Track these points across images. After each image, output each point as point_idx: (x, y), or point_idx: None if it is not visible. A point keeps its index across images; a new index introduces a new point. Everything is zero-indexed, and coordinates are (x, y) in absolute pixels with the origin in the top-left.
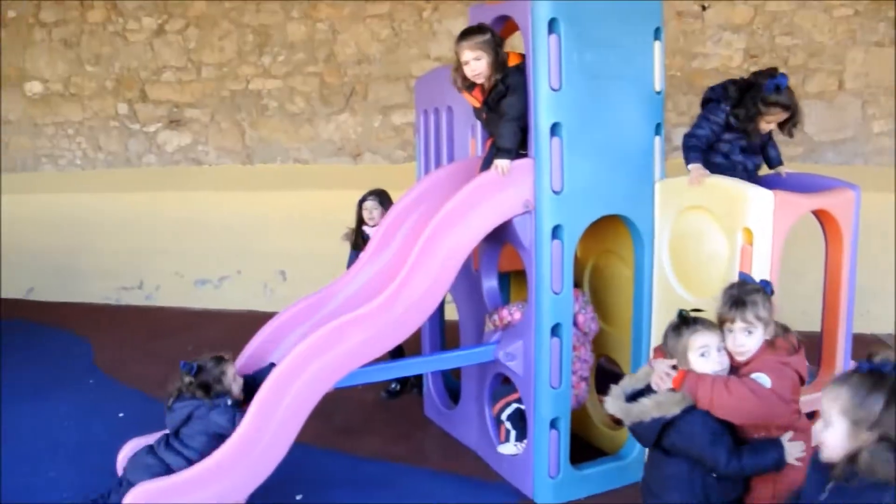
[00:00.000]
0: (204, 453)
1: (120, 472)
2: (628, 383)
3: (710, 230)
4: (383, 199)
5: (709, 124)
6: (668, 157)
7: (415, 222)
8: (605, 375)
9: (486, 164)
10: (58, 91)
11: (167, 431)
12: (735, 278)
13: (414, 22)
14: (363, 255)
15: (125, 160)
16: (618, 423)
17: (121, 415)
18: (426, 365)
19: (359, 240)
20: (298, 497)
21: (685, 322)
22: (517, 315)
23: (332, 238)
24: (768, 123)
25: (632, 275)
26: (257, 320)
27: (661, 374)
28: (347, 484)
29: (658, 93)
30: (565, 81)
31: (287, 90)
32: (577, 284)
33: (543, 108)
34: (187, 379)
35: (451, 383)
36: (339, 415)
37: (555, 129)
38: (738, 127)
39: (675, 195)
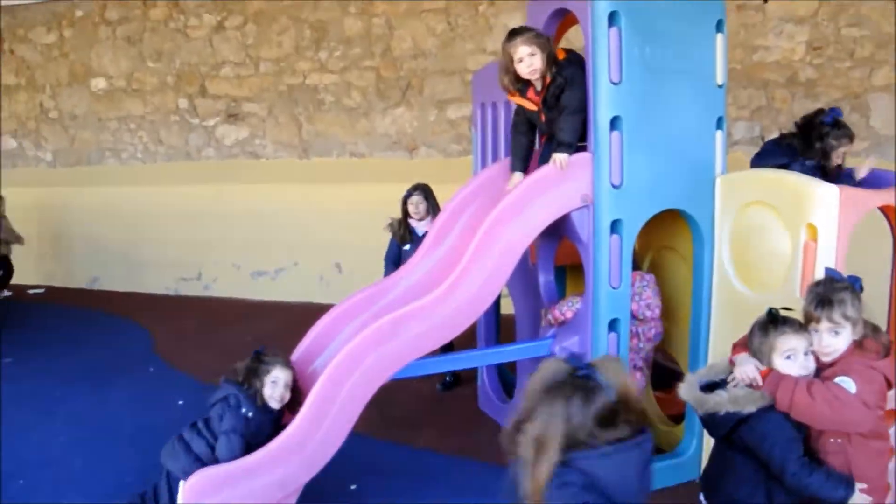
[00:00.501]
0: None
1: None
2: (705, 373)
3: (773, 226)
4: (427, 193)
5: None
6: (728, 151)
7: (472, 216)
8: (662, 371)
9: (544, 159)
10: (121, 87)
11: None
12: (797, 275)
13: (470, 16)
14: (420, 249)
15: (185, 154)
16: (675, 419)
17: (180, 402)
18: (482, 358)
19: (405, 233)
20: (353, 487)
21: (773, 322)
22: (569, 314)
23: (387, 232)
24: (838, 157)
25: (690, 271)
26: (313, 312)
27: (745, 371)
28: (402, 475)
29: (720, 86)
30: (625, 75)
31: (344, 85)
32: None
33: (603, 102)
34: (250, 360)
35: (506, 377)
36: (395, 406)
37: (614, 122)
38: (824, 168)
39: (736, 190)
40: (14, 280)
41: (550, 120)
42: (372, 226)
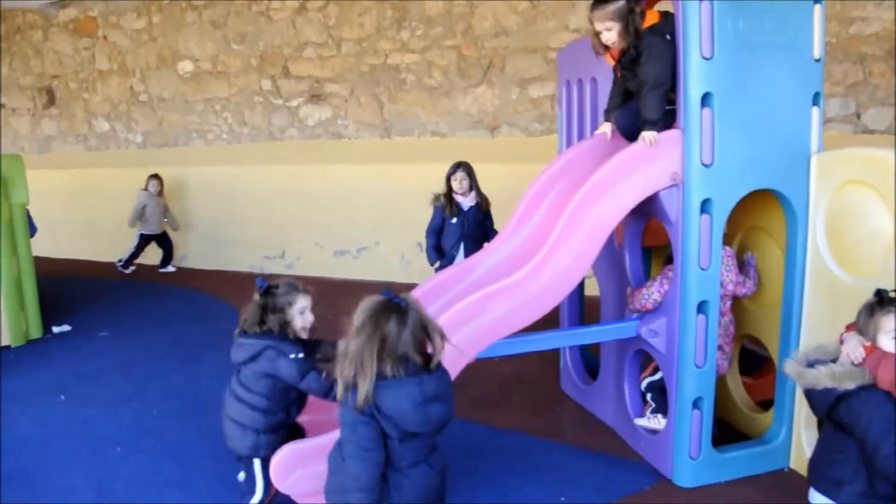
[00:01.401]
0: (270, 398)
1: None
2: (814, 352)
3: (873, 207)
4: (470, 170)
5: None
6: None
7: (558, 195)
8: (749, 356)
9: (622, 119)
10: (207, 69)
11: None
12: None
13: None
14: (505, 228)
15: (269, 134)
16: (763, 405)
17: None
18: (565, 339)
19: (451, 206)
20: None
21: (880, 302)
22: (649, 306)
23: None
24: None
25: (782, 253)
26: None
27: (849, 346)
28: (484, 454)
29: (817, 60)
30: (717, 50)
31: (425, 64)
32: None
33: (694, 78)
34: (255, 296)
35: (589, 358)
36: (476, 386)
37: (705, 99)
38: None
39: (832, 169)
40: (108, 258)
41: (625, 79)
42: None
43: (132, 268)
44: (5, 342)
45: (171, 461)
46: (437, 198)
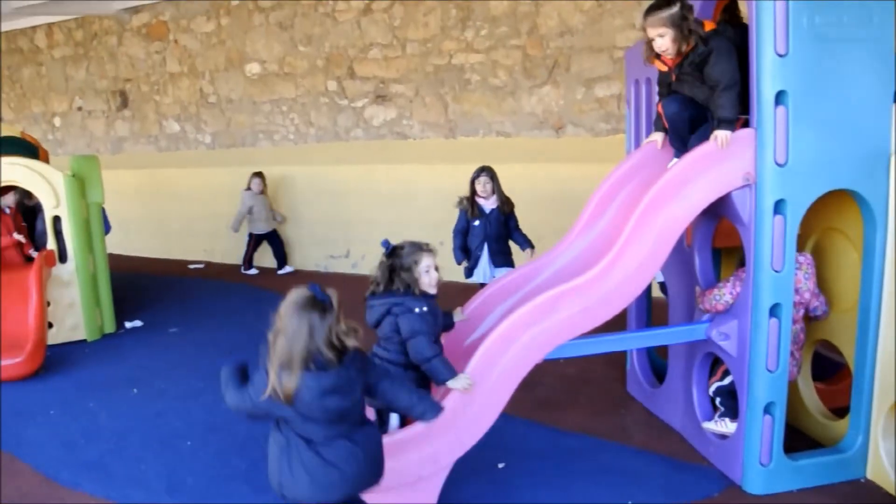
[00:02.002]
0: (404, 353)
1: None
2: None
3: None
4: (492, 174)
5: None
6: None
7: (627, 195)
8: (822, 362)
9: (672, 123)
10: (273, 71)
11: None
12: None
13: None
14: (573, 229)
15: (334, 134)
16: (837, 413)
17: None
18: (634, 341)
19: (474, 209)
20: (501, 465)
21: None
22: (720, 307)
23: (534, 210)
24: None
25: (860, 256)
26: (458, 291)
27: None
28: (549, 456)
29: None
30: (793, 46)
31: (490, 64)
32: None
33: (768, 75)
34: (381, 259)
35: (656, 360)
36: (541, 387)
37: (780, 97)
38: None
39: None
40: (177, 256)
41: (682, 83)
42: (518, 205)
43: (253, 269)
44: (81, 336)
45: (239, 456)
46: (461, 201)
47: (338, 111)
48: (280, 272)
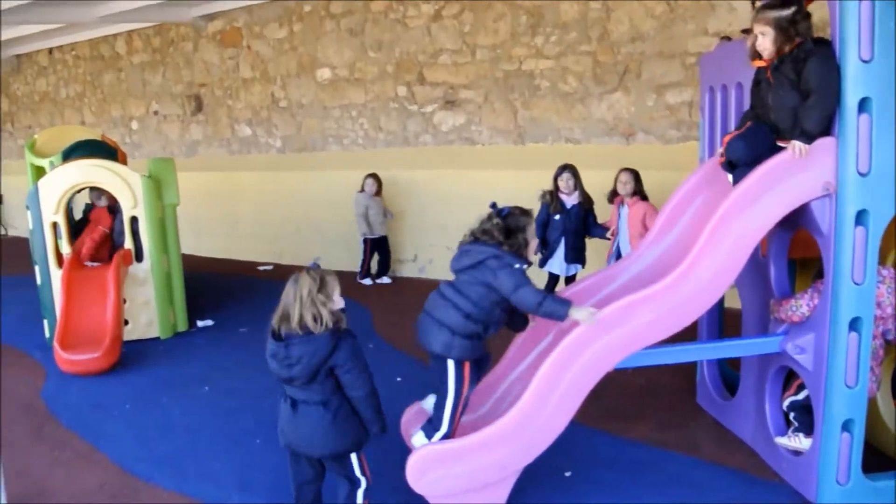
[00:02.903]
0: (477, 306)
1: (405, 435)
2: None
3: None
4: (575, 172)
5: None
6: None
7: (702, 204)
8: None
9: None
10: (344, 76)
11: None
12: None
13: None
14: (647, 236)
15: (403, 140)
16: None
17: (398, 379)
18: (705, 352)
19: (556, 204)
20: (567, 474)
21: None
22: (795, 319)
23: (604, 217)
24: None
25: None
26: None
27: None
28: (616, 466)
29: None
30: (878, 52)
31: (559, 70)
32: None
33: (851, 82)
34: (495, 220)
35: (727, 372)
36: (608, 396)
37: (863, 104)
38: None
39: None
40: (246, 257)
41: (774, 83)
42: None
43: (369, 279)
44: (155, 334)
45: None
46: (544, 195)
47: (407, 116)
48: (378, 280)
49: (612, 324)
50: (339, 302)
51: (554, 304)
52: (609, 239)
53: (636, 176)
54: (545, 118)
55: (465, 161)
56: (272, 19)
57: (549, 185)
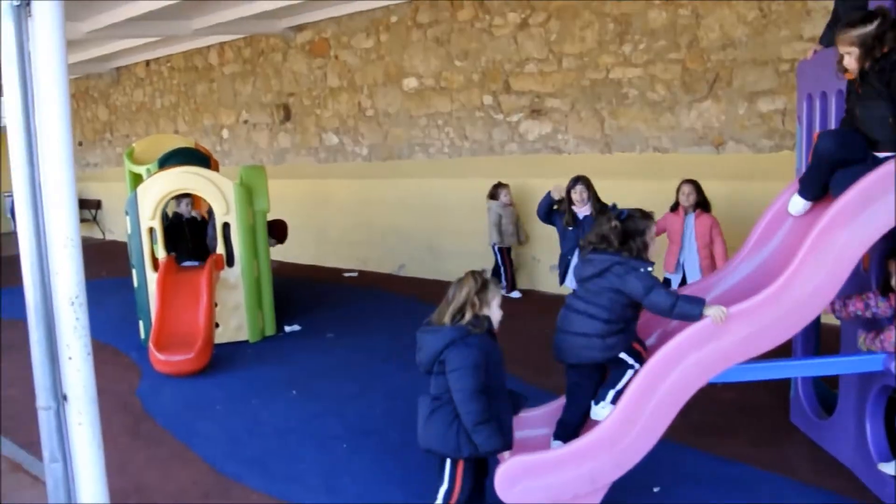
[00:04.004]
0: (610, 310)
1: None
2: None
3: None
4: (588, 184)
5: None
6: None
7: (800, 217)
8: None
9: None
10: (430, 85)
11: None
12: None
13: (785, 0)
14: (742, 249)
15: (489, 148)
16: None
17: None
18: (802, 369)
19: (570, 218)
20: (656, 489)
21: None
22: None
23: None
24: None
25: None
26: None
27: None
28: (705, 483)
29: None
30: None
31: (647, 78)
32: None
33: None
34: (613, 223)
35: (823, 390)
36: (697, 412)
37: None
38: None
39: None
40: (333, 263)
41: (863, 93)
42: None
43: (516, 293)
44: (244, 337)
45: (393, 461)
46: (561, 202)
47: (493, 125)
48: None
49: (706, 338)
50: (496, 310)
51: (687, 305)
52: None
53: (698, 187)
54: (632, 127)
55: (551, 170)
56: (360, 29)
57: (637, 196)
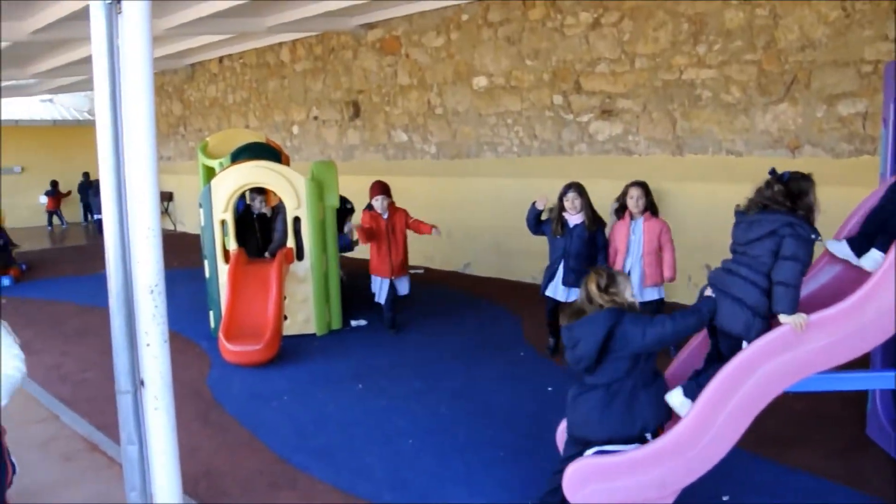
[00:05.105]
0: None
1: (560, 448)
2: None
3: None
4: (581, 190)
5: None
6: None
7: None
8: None
9: None
10: (500, 84)
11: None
12: None
13: (871, 0)
14: (823, 255)
15: (558, 148)
16: None
17: (549, 389)
18: (881, 381)
19: (558, 226)
20: (725, 498)
21: None
22: None
23: None
24: None
25: None
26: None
27: None
28: (776, 494)
29: None
30: None
31: (722, 79)
32: None
33: None
34: (776, 186)
35: None
36: (769, 421)
37: None
38: None
39: None
40: None
41: None
42: None
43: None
44: (311, 330)
45: (459, 459)
46: (550, 210)
47: (562, 125)
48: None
49: (785, 346)
50: (627, 296)
51: (792, 297)
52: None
53: (647, 190)
54: (705, 129)
55: (621, 171)
56: (430, 28)
57: (708, 199)
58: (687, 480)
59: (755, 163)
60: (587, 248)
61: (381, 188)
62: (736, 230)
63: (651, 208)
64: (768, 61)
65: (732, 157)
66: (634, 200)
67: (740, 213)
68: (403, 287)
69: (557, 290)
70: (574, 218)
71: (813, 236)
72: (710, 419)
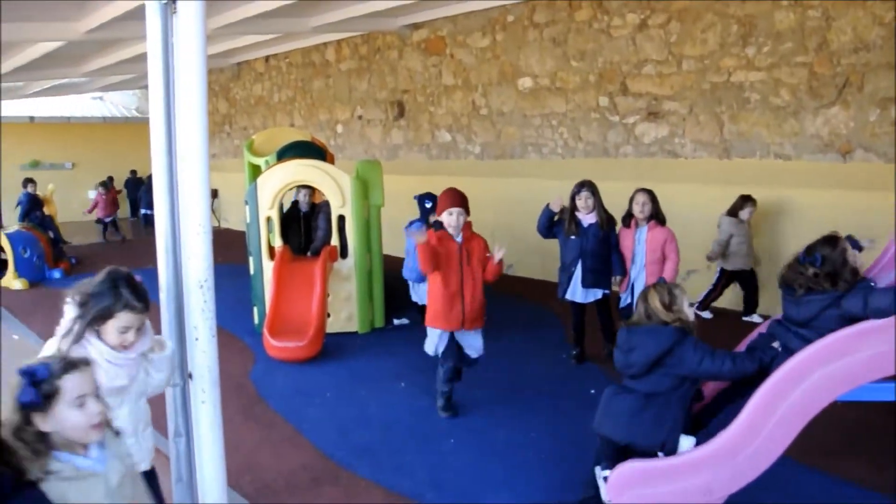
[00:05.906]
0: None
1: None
2: None
3: None
4: (593, 189)
5: None
6: None
7: None
8: None
9: None
10: (545, 85)
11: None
12: None
13: None
14: (878, 261)
15: (603, 150)
16: None
17: (591, 391)
18: None
19: (572, 226)
20: None
21: None
22: None
23: (813, 238)
24: None
25: None
26: (730, 319)
27: None
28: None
29: None
30: None
31: (771, 82)
32: None
33: None
34: (811, 271)
35: None
36: (818, 429)
37: None
38: None
39: None
40: None
41: None
42: (797, 233)
43: (708, 313)
44: (354, 328)
45: (499, 462)
46: (562, 211)
47: (608, 127)
48: (745, 318)
49: (838, 353)
50: (688, 312)
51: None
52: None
53: (653, 197)
54: (753, 132)
55: (667, 174)
56: (476, 28)
57: (764, 205)
58: (733, 488)
59: (805, 167)
60: (602, 248)
61: (455, 198)
62: (786, 306)
63: (657, 216)
64: (820, 63)
65: (781, 161)
66: (640, 206)
67: (787, 289)
68: (475, 345)
69: (576, 293)
70: (588, 217)
71: (871, 283)
72: (758, 425)
